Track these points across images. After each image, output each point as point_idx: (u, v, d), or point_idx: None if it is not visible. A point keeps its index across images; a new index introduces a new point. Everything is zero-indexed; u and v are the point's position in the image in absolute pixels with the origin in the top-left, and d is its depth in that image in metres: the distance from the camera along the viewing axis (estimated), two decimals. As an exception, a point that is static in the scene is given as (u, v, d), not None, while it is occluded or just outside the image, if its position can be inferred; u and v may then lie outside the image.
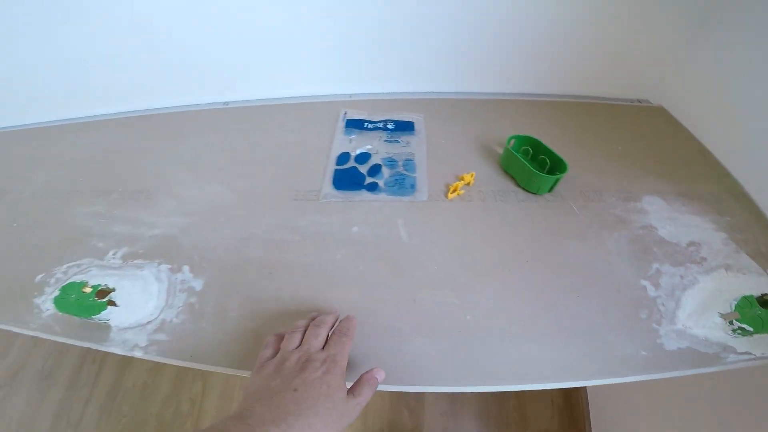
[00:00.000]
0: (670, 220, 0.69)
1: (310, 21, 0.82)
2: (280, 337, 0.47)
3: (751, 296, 0.57)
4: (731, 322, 0.55)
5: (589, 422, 1.37)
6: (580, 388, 1.43)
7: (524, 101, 0.95)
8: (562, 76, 0.94)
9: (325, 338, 0.45)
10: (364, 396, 0.42)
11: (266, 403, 0.36)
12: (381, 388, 0.46)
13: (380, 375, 0.45)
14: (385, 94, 0.98)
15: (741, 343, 0.56)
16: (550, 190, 0.72)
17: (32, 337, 0.56)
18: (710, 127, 0.83)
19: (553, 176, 0.69)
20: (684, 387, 0.92)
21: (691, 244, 0.66)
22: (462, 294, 0.57)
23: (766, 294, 0.59)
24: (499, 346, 0.54)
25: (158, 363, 0.52)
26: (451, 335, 0.53)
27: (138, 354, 0.52)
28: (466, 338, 0.53)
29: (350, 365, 0.47)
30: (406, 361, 0.50)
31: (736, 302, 0.57)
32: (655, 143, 0.84)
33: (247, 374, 0.47)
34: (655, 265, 0.64)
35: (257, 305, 0.56)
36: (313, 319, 0.49)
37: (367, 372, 0.45)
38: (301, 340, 0.45)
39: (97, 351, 0.53)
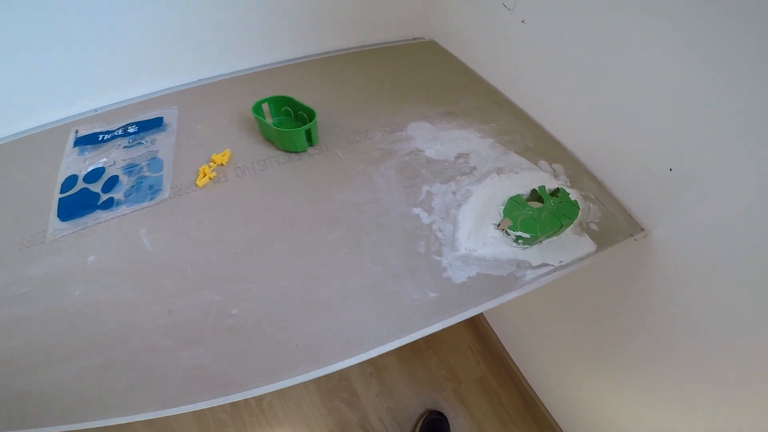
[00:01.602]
0: (436, 139, 0.63)
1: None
2: None
3: (518, 196, 0.52)
4: (506, 232, 0.49)
5: (508, 353, 1.35)
6: (483, 323, 1.40)
7: (298, 64, 0.84)
8: (338, 32, 0.86)
9: None
10: None
11: None
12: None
13: None
14: (136, 98, 0.80)
15: (532, 255, 0.51)
16: (313, 143, 0.62)
17: None
18: (473, 50, 0.81)
19: (300, 128, 0.59)
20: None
21: (459, 156, 0.61)
22: (224, 288, 0.47)
23: (541, 187, 0.54)
24: (276, 333, 0.43)
25: None
26: (220, 336, 0.43)
27: None
28: (238, 335, 0.43)
29: (116, 402, 0.39)
30: (179, 378, 0.40)
31: (503, 207, 0.51)
32: (426, 74, 0.80)
33: None
34: (425, 188, 0.56)
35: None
36: None
37: None
38: None
39: None
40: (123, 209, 0.59)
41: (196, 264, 0.50)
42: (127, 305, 0.46)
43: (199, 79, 0.80)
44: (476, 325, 1.44)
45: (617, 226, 0.55)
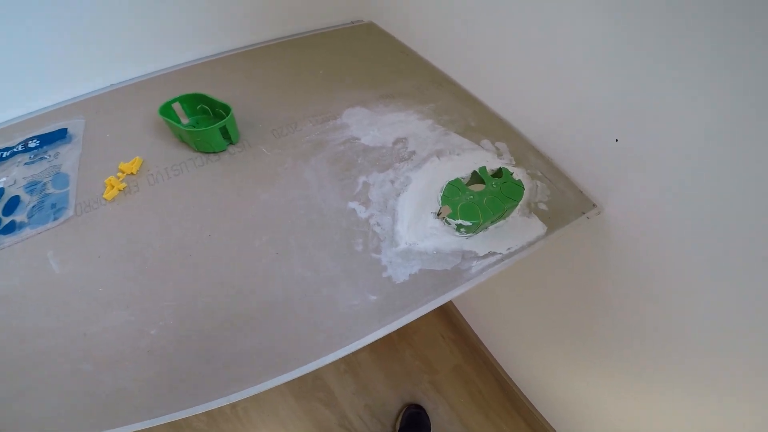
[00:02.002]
0: (373, 125, 0.57)
1: None
2: None
3: (457, 180, 0.47)
4: (447, 221, 0.44)
5: (480, 340, 1.32)
6: (453, 311, 1.37)
7: (221, 59, 0.76)
8: (268, 22, 0.78)
9: None
10: None
11: None
12: None
13: None
14: (39, 111, 0.70)
15: (478, 243, 0.46)
16: (233, 141, 0.55)
17: None
18: (413, 29, 0.76)
19: (214, 126, 0.51)
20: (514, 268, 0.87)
21: (397, 141, 0.55)
22: (139, 307, 0.42)
23: (482, 168, 0.49)
24: (201, 353, 0.38)
25: None
26: (140, 358, 0.39)
27: None
28: (159, 356, 0.39)
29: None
30: (103, 403, 0.36)
31: (441, 193, 0.46)
32: (363, 57, 0.74)
33: None
34: (362, 179, 0.51)
35: None
36: None
37: None
38: None
39: None
40: (27, 232, 0.51)
41: (108, 284, 0.43)
42: (40, 331, 0.41)
43: (111, 84, 0.71)
44: (447, 313, 1.40)
45: (568, 204, 0.50)
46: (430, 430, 1.21)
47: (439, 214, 0.44)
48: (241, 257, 0.44)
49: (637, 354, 0.61)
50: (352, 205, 0.48)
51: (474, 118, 0.59)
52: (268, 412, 1.22)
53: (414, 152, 0.53)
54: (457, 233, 0.44)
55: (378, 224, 0.46)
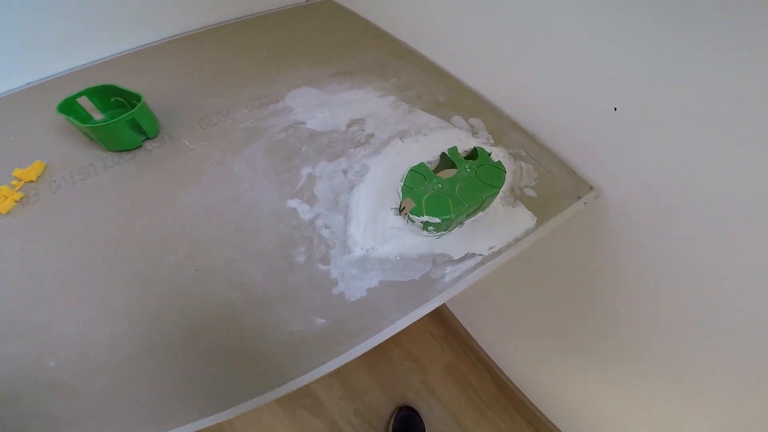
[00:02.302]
0: (323, 106, 0.47)
1: None
2: None
3: (422, 165, 0.37)
4: (410, 218, 0.34)
5: (472, 336, 1.23)
6: (441, 306, 1.28)
7: (150, 49, 0.63)
8: (210, 5, 0.67)
9: None
10: None
11: None
12: None
13: None
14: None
15: (452, 243, 0.36)
16: (149, 135, 0.45)
17: None
18: (372, 2, 0.65)
19: (119, 118, 0.41)
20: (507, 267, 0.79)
21: (352, 123, 0.45)
22: (36, 337, 0.33)
23: (452, 149, 0.39)
24: (111, 389, 0.30)
25: None
26: (41, 394, 0.31)
27: None
28: (62, 391, 0.31)
29: None
30: None
31: (401, 183, 0.36)
32: (317, 35, 0.63)
33: None
34: (306, 170, 0.41)
35: None
36: None
37: None
38: None
39: None
40: None
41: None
42: None
43: (28, 83, 0.59)
44: (435, 310, 1.31)
45: (560, 188, 0.41)
46: (425, 432, 1.14)
47: (401, 210, 0.35)
48: (153, 277, 0.34)
49: (638, 346, 0.54)
50: (293, 203, 0.38)
51: (443, 92, 0.50)
52: (253, 422, 1.15)
53: (372, 135, 0.43)
54: (425, 232, 0.35)
55: (326, 226, 0.36)
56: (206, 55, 0.58)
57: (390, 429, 1.14)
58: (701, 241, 0.36)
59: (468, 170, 0.35)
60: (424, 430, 1.15)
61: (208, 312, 0.32)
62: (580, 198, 0.41)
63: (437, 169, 0.39)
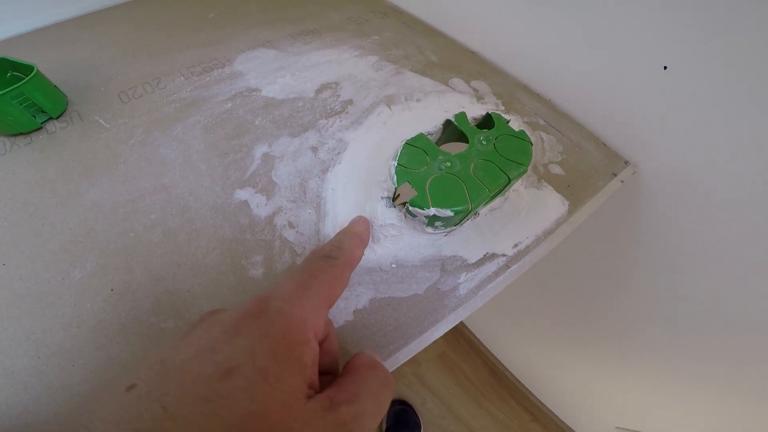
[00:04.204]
0: (283, 69, 0.35)
1: None
2: None
3: (421, 137, 0.25)
4: (409, 212, 0.22)
5: (463, 322, 1.14)
6: None
7: (101, 12, 0.50)
8: None
9: None
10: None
11: None
12: None
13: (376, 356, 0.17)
14: None
15: (466, 242, 0.25)
16: (52, 115, 0.32)
17: None
18: None
19: (3, 92, 0.28)
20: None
21: (323, 88, 0.33)
22: None
23: (459, 115, 0.27)
24: None
25: None
26: None
27: None
28: None
29: None
30: None
31: (395, 163, 0.24)
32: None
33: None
34: (261, 149, 0.29)
35: None
36: None
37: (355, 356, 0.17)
38: None
39: None
40: None
41: None
42: None
43: None
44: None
45: (590, 163, 0.31)
46: (419, 427, 1.05)
47: (395, 200, 0.23)
48: (53, 299, 0.22)
49: (654, 338, 0.45)
50: (243, 194, 0.26)
51: (435, 51, 0.38)
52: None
53: (350, 101, 0.31)
54: (430, 229, 0.23)
55: (290, 225, 0.25)
56: (141, 23, 0.45)
57: (383, 424, 1.05)
58: (739, 234, 0.27)
59: (484, 143, 0.24)
60: (419, 423, 1.06)
61: (129, 345, 0.21)
62: (615, 175, 0.31)
63: (439, 143, 0.28)
